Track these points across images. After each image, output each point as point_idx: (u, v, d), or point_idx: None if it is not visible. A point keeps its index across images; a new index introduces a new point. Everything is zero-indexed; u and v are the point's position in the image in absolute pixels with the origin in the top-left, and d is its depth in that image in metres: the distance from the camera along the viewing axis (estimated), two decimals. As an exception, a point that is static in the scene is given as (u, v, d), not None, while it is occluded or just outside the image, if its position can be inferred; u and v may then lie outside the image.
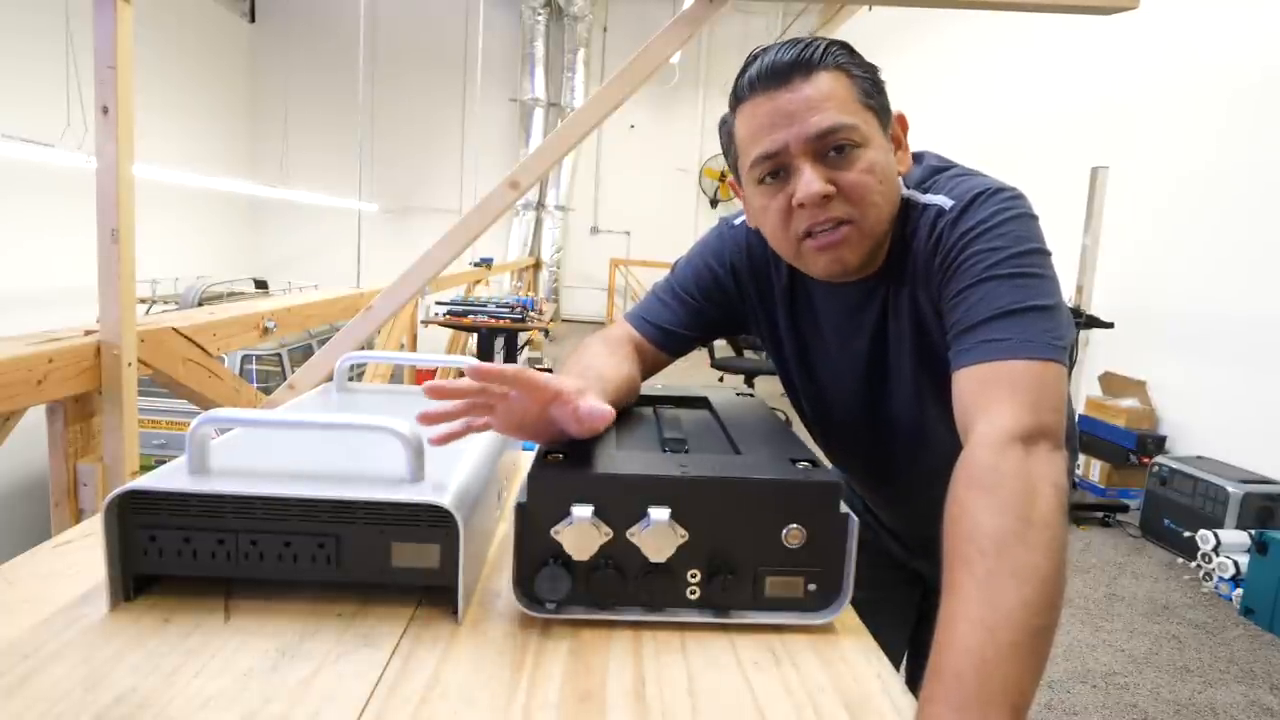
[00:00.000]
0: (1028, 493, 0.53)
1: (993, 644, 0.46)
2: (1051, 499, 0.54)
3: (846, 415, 0.89)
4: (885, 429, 0.86)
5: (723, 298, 0.89)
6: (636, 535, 0.57)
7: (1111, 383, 4.31)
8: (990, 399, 0.61)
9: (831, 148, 0.69)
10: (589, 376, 0.72)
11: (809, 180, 0.69)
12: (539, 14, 9.01)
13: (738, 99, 0.74)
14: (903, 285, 0.77)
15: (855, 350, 0.83)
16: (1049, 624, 0.48)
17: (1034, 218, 0.71)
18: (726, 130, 0.77)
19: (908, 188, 0.78)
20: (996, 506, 0.53)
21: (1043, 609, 0.48)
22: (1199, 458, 3.64)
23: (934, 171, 0.78)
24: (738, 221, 0.90)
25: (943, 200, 0.73)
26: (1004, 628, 0.46)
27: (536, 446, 0.63)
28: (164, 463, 0.60)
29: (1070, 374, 0.62)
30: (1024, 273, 0.66)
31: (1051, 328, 0.64)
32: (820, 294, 0.84)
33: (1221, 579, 3.04)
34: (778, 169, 0.71)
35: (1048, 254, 0.69)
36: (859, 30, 7.04)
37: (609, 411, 0.60)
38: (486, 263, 6.15)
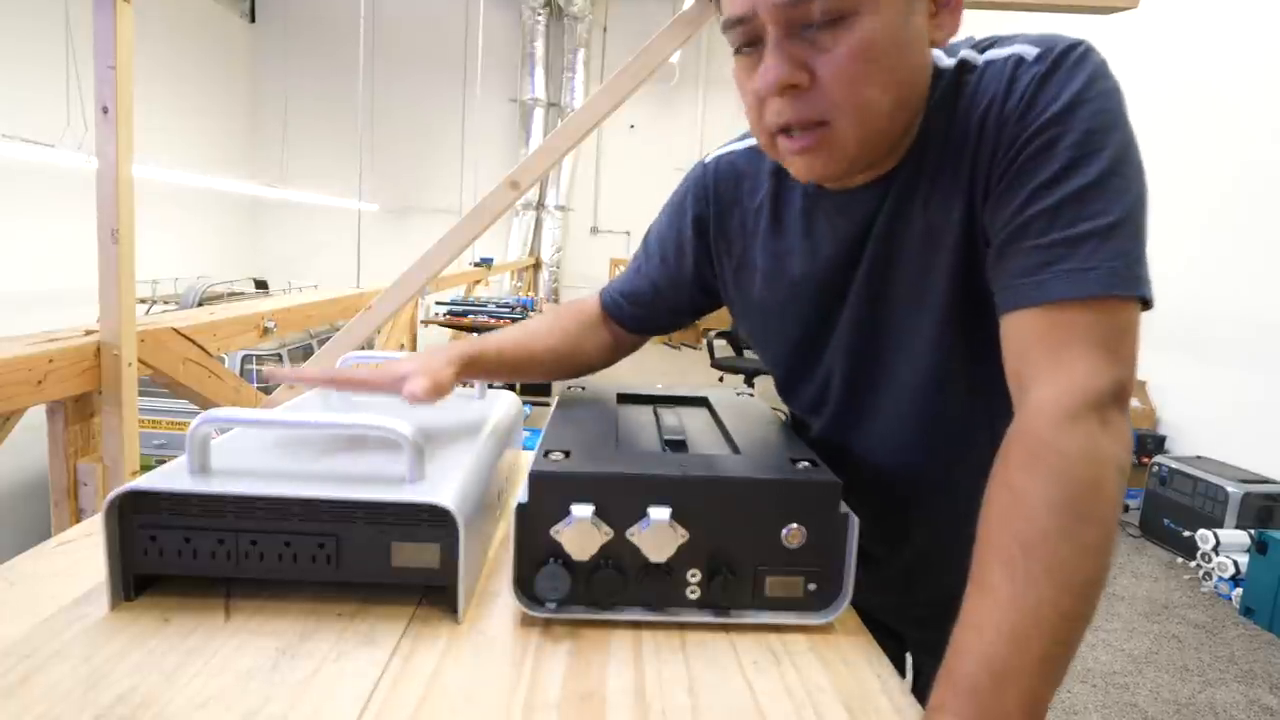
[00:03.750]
0: (1092, 482, 0.46)
1: (1019, 656, 0.42)
2: (1114, 486, 0.47)
3: (837, 400, 0.74)
4: (886, 413, 0.70)
5: (694, 270, 0.80)
6: (636, 535, 0.57)
7: (1111, 383, 4.31)
8: (1059, 350, 0.50)
9: (812, 18, 0.52)
10: (482, 345, 0.75)
11: (768, 66, 0.54)
12: (539, 14, 9.00)
13: None
14: (931, 174, 0.60)
15: (847, 281, 0.67)
16: (1082, 632, 0.45)
17: (1123, 94, 0.55)
18: None
19: (949, 53, 0.60)
20: (1054, 498, 0.46)
21: (1080, 618, 0.44)
22: (1199, 458, 3.64)
23: (984, 42, 0.61)
24: (710, 158, 0.78)
25: (1020, 49, 0.56)
26: (1036, 639, 0.43)
27: (536, 446, 0.63)
28: (164, 463, 0.60)
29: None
30: (1122, 174, 0.52)
31: (1140, 254, 0.52)
32: (825, 210, 0.67)
33: (1221, 579, 3.04)
34: (752, 38, 0.56)
35: (1138, 149, 0.54)
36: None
37: (424, 386, 0.64)
38: (486, 263, 6.15)
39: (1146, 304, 0.52)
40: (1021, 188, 0.53)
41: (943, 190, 0.59)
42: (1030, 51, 0.55)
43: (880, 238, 0.63)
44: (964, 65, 0.59)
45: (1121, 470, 0.48)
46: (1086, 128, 0.52)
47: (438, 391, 0.66)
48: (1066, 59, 0.53)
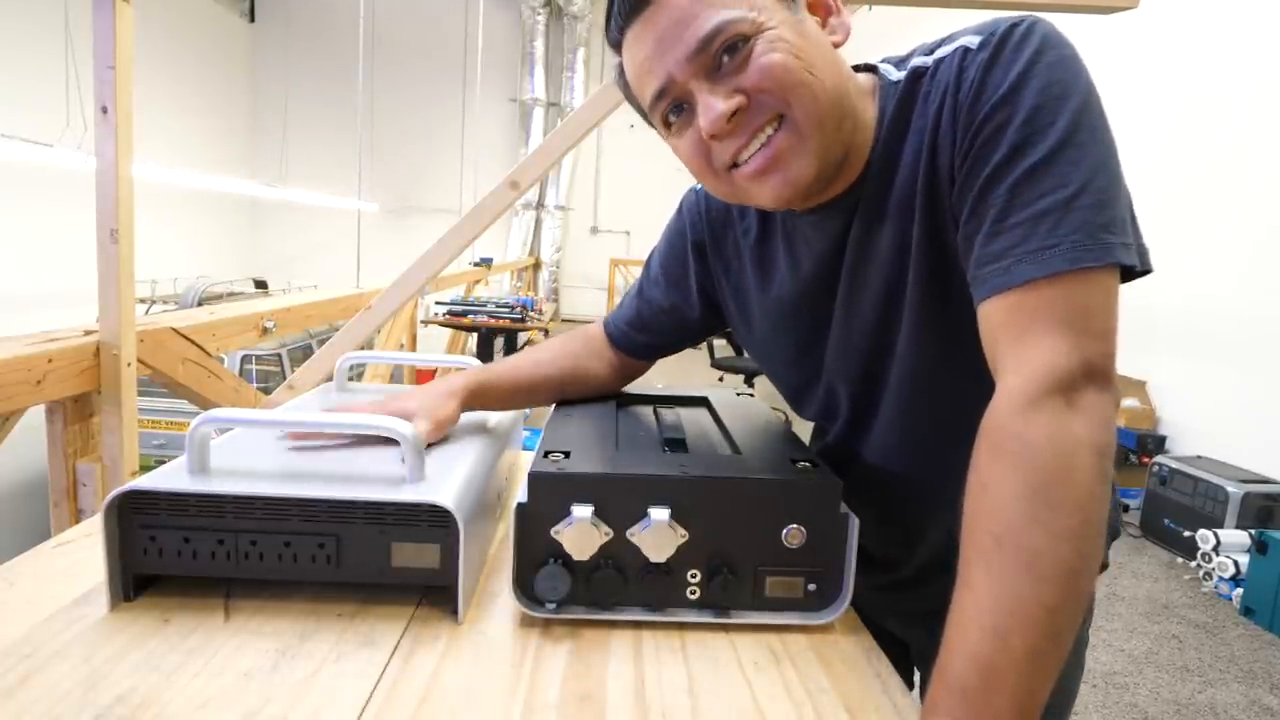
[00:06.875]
0: (1060, 468, 0.45)
1: (1005, 651, 0.42)
2: (1088, 470, 0.45)
3: (846, 409, 0.74)
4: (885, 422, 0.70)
5: (699, 290, 0.81)
6: (636, 535, 0.57)
7: (1111, 383, 4.31)
8: (1023, 334, 0.49)
9: (722, 54, 0.55)
10: (484, 375, 0.77)
11: (707, 106, 0.56)
12: (539, 14, 9.01)
13: (615, 44, 0.61)
14: (896, 180, 0.60)
15: (861, 298, 0.66)
16: (1071, 623, 0.44)
17: (1078, 58, 0.54)
18: (624, 81, 0.63)
19: (899, 66, 0.62)
20: (1020, 488, 0.45)
21: (1064, 608, 0.43)
22: (1199, 458, 3.64)
23: (932, 44, 0.62)
24: (700, 184, 0.78)
25: (966, 40, 0.56)
26: (1019, 634, 0.42)
27: (536, 446, 0.63)
28: (164, 463, 0.60)
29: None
30: (1076, 143, 0.50)
31: (1106, 220, 0.49)
32: (801, 230, 0.69)
33: (1221, 579, 3.04)
34: (678, 103, 0.59)
35: (1101, 110, 0.53)
36: (859, 30, 6.98)
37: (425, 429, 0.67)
38: (486, 262, 6.15)
39: (1131, 270, 0.51)
40: (978, 176, 0.53)
41: (909, 193, 0.60)
42: (974, 40, 0.55)
43: (855, 248, 0.64)
44: (916, 72, 0.60)
45: (1098, 451, 0.46)
46: (1034, 104, 0.51)
47: (440, 431, 0.70)
48: (1009, 40, 0.53)
